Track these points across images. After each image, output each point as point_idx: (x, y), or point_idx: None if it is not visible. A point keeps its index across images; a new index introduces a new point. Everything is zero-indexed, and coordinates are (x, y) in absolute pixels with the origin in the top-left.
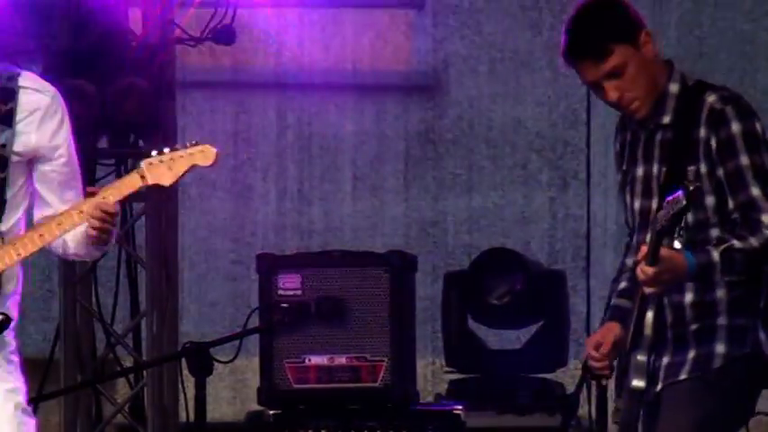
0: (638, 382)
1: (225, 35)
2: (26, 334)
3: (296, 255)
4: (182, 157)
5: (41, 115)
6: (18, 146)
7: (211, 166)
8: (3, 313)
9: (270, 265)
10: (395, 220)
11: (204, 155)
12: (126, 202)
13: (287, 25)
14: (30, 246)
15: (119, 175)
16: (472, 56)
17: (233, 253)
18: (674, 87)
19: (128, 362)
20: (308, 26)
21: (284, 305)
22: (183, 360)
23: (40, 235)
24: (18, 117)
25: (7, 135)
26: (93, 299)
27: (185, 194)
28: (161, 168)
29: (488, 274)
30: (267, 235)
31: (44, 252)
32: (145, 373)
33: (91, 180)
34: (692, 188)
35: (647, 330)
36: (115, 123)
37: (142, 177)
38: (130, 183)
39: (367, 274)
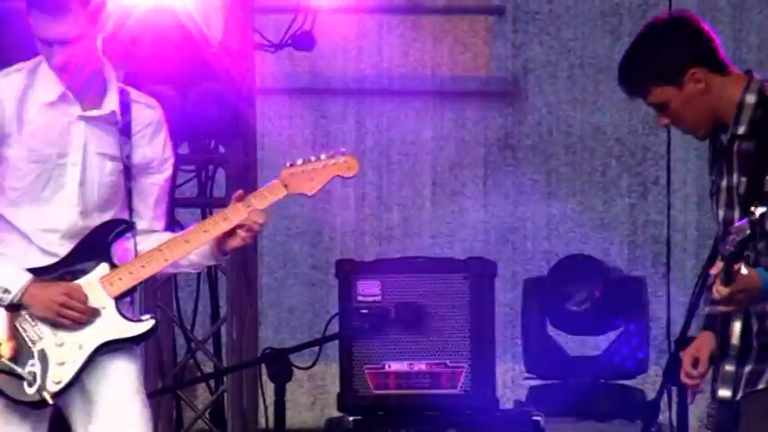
0: (724, 392)
1: (304, 41)
2: None
3: (375, 261)
4: (324, 167)
5: (153, 129)
6: (136, 158)
7: (353, 177)
8: (155, 318)
9: (349, 271)
10: (474, 226)
11: (348, 165)
12: (206, 209)
13: (366, 31)
14: (176, 252)
15: (199, 181)
16: (551, 62)
17: (312, 258)
18: (750, 98)
19: (208, 367)
20: (387, 32)
21: (364, 311)
22: (263, 366)
23: (187, 241)
24: (134, 130)
25: (129, 146)
26: (174, 305)
27: None
28: (302, 178)
29: (568, 281)
30: (346, 240)
31: None
32: (225, 378)
33: (171, 186)
34: (755, 218)
35: (734, 340)
36: (195, 129)
37: (285, 186)
38: (275, 191)
39: (446, 280)
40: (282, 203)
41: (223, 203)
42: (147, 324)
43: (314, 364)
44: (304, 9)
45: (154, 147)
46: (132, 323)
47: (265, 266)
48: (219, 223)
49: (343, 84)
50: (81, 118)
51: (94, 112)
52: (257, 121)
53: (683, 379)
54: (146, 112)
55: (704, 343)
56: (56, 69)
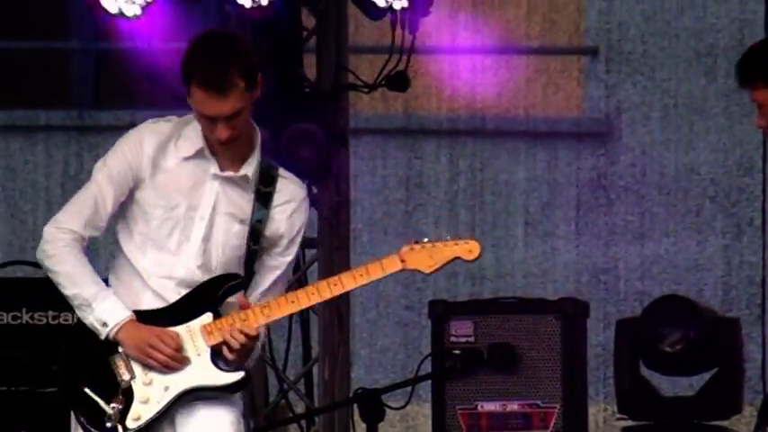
0: None
1: (398, 82)
2: None
3: (468, 301)
4: (445, 246)
5: (294, 207)
6: (268, 230)
7: (473, 261)
8: (247, 371)
9: (442, 312)
10: (566, 267)
11: (469, 249)
12: (300, 248)
13: (459, 71)
14: (280, 311)
15: None
16: (645, 102)
17: (404, 299)
18: None
19: (300, 408)
20: (480, 72)
21: (456, 352)
22: (355, 406)
23: (293, 301)
24: (275, 202)
25: (263, 215)
26: (266, 345)
27: (357, 240)
28: (422, 255)
29: (661, 322)
30: (438, 281)
31: None
32: (317, 419)
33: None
34: None
35: None
36: (288, 169)
37: (402, 261)
38: (391, 264)
39: (539, 320)
40: (375, 243)
41: (315, 244)
42: (235, 375)
43: (406, 405)
44: (398, 49)
45: (290, 224)
46: (223, 373)
47: (358, 307)
48: (310, 296)
49: (437, 124)
50: (216, 176)
51: (229, 173)
52: (350, 162)
53: None
54: (291, 187)
55: None
56: (218, 142)
